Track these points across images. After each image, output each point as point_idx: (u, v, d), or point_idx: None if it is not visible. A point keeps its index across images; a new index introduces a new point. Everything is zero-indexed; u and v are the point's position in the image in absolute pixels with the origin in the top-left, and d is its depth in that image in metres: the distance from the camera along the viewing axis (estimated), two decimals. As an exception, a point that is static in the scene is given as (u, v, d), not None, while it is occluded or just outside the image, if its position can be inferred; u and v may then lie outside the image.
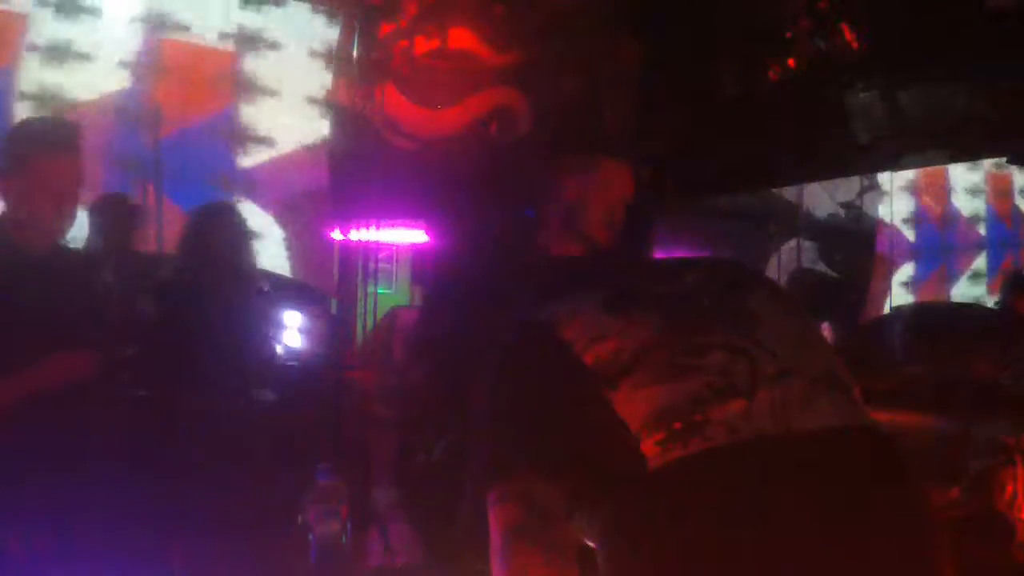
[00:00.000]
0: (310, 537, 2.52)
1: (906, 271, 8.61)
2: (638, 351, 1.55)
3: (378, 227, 5.01)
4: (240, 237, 4.01)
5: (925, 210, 8.71)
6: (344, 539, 2.53)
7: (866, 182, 7.66)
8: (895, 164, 6.34)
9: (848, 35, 4.28)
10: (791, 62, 4.53)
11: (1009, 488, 3.17)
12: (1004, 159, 6.62)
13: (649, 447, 1.47)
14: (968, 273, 8.84)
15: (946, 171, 8.61)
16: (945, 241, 8.80)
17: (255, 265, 4.16)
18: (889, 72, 4.35)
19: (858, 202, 7.74)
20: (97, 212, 4.40)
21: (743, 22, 4.67)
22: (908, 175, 8.27)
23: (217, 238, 3.90)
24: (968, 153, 5.79)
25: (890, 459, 1.58)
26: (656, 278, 1.76)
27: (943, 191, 8.78)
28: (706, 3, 4.93)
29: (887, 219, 8.26)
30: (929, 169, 8.16)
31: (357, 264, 5.42)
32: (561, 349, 1.59)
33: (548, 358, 1.61)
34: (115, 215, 4.45)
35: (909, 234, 8.67)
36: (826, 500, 1.46)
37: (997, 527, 3.13)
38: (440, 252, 4.96)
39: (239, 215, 4.21)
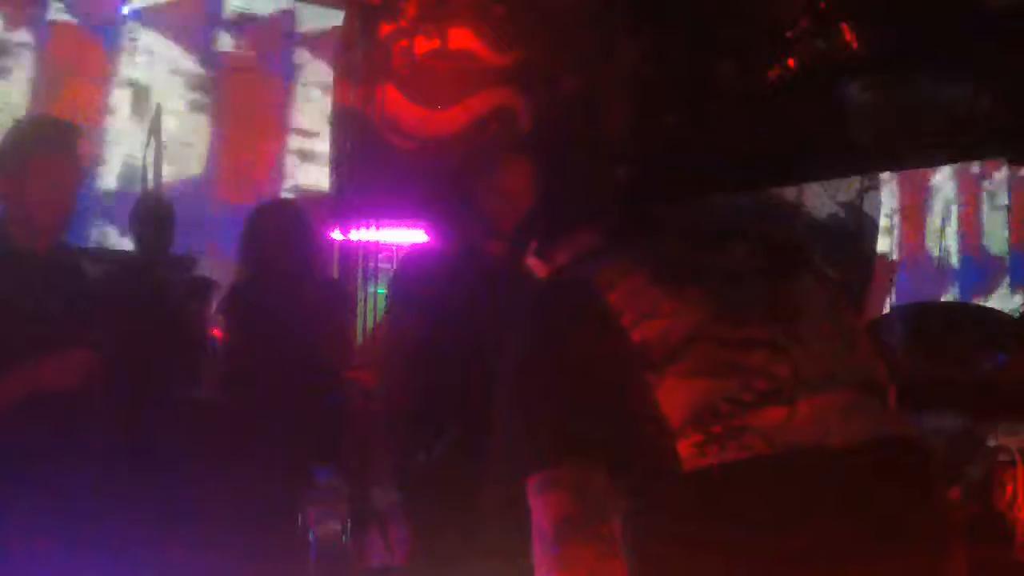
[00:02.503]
0: (310, 537, 2.52)
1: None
2: (685, 338, 1.52)
3: (378, 227, 5.01)
4: (302, 234, 3.91)
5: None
6: (344, 539, 2.53)
7: (866, 182, 7.66)
8: (895, 164, 6.34)
9: (848, 35, 4.28)
10: (791, 62, 4.53)
11: (1009, 488, 3.17)
12: (1004, 159, 6.62)
13: (686, 448, 1.47)
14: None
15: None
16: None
17: (317, 262, 4.07)
18: (889, 72, 4.35)
19: (858, 202, 7.74)
20: (134, 217, 4.41)
21: (743, 22, 4.67)
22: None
23: (277, 237, 3.82)
24: (968, 153, 5.79)
25: (923, 473, 1.59)
26: (703, 245, 1.71)
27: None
28: (706, 3, 4.93)
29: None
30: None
31: (357, 264, 5.43)
32: (609, 320, 1.54)
33: (596, 330, 1.55)
34: (152, 218, 4.45)
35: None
36: (860, 519, 1.47)
37: (997, 527, 3.14)
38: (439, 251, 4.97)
39: (300, 212, 4.15)
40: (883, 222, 8.46)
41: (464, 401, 3.28)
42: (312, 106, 6.38)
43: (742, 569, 1.44)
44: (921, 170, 8.39)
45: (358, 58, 5.36)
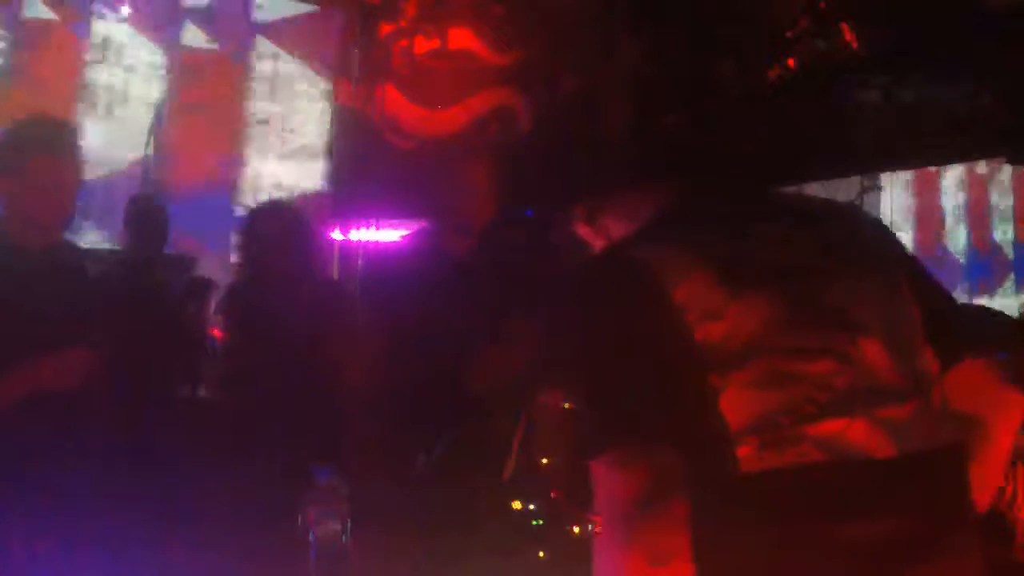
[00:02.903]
0: (310, 537, 2.52)
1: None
2: (747, 345, 1.49)
3: (378, 227, 5.02)
4: (301, 235, 3.90)
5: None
6: (344, 539, 2.53)
7: (866, 182, 7.66)
8: (895, 164, 6.35)
9: (848, 35, 4.28)
10: (791, 62, 4.53)
11: (1009, 488, 3.17)
12: (1004, 159, 6.62)
13: (743, 452, 1.47)
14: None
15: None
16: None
17: (317, 262, 4.05)
18: (889, 72, 4.35)
19: (858, 202, 7.74)
20: (128, 215, 4.41)
21: (743, 22, 4.67)
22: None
23: (277, 237, 3.81)
24: (968, 153, 5.80)
25: (966, 479, 1.62)
26: (768, 241, 1.64)
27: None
28: (706, 3, 4.93)
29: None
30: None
31: (357, 264, 5.42)
32: (673, 312, 1.49)
33: (666, 320, 1.50)
34: (146, 217, 4.45)
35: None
36: (911, 529, 1.50)
37: (997, 527, 3.13)
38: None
39: (297, 213, 4.14)
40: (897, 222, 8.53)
41: (448, 398, 3.30)
42: (271, 94, 6.31)
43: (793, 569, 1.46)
44: (931, 170, 8.41)
45: (358, 58, 5.38)
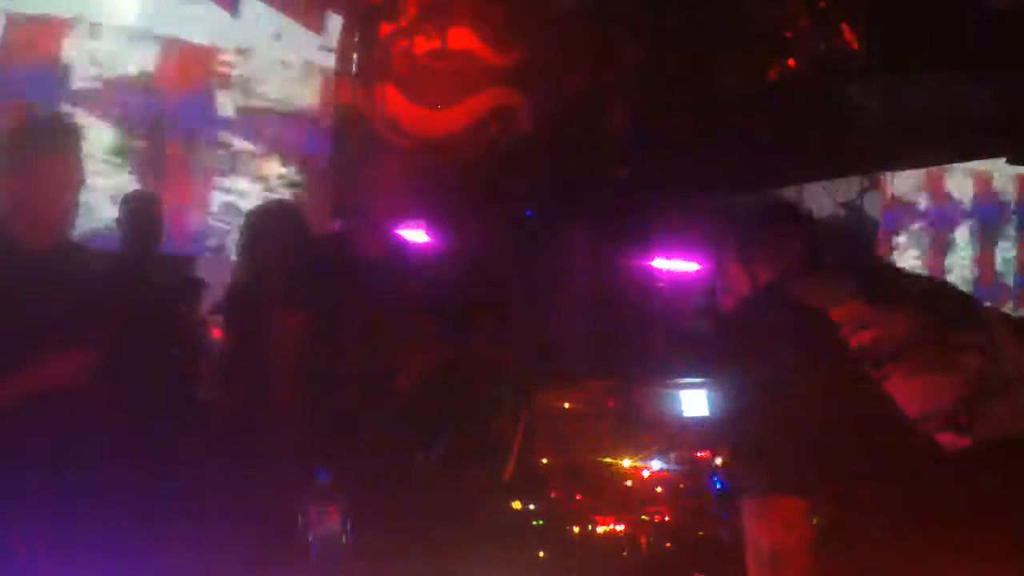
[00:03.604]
0: (310, 537, 2.52)
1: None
2: (901, 342, 1.78)
3: (377, 227, 5.00)
4: (298, 234, 3.90)
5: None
6: (344, 539, 2.53)
7: (866, 182, 7.66)
8: (895, 164, 6.34)
9: (848, 35, 4.28)
10: (791, 62, 4.53)
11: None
12: (1004, 159, 6.62)
13: (939, 430, 1.69)
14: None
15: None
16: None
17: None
18: (889, 72, 4.35)
19: (858, 202, 7.74)
20: (124, 211, 4.39)
21: (743, 22, 4.67)
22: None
23: (276, 236, 3.80)
24: (968, 153, 5.79)
25: None
26: (896, 291, 1.97)
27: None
28: (707, 3, 4.93)
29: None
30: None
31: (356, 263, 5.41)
32: (832, 329, 1.82)
33: (817, 339, 1.83)
34: (143, 213, 4.43)
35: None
36: None
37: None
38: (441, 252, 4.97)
39: (296, 212, 4.13)
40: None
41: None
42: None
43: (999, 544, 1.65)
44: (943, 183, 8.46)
45: (358, 58, 5.37)
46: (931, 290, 2.04)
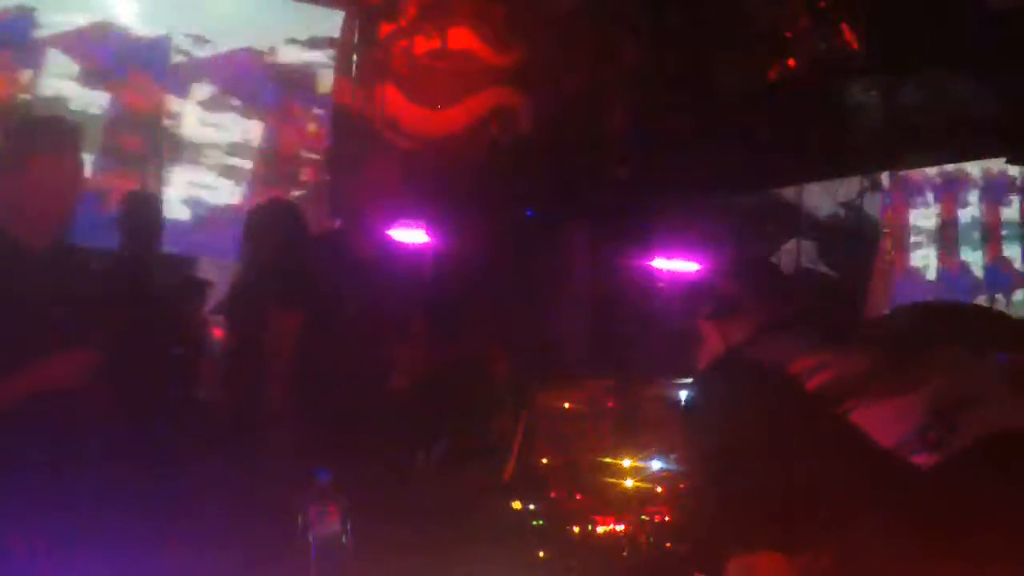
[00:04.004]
0: (310, 537, 2.52)
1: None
2: (861, 375, 1.83)
3: (377, 227, 5.01)
4: (298, 234, 3.88)
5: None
6: (344, 539, 2.53)
7: (866, 182, 7.65)
8: (895, 164, 6.34)
9: (848, 35, 4.28)
10: (791, 62, 4.53)
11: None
12: (1004, 159, 6.62)
13: (913, 452, 1.71)
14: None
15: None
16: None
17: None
18: (889, 72, 4.35)
19: (858, 202, 7.73)
20: (123, 211, 4.37)
21: (743, 22, 4.67)
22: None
23: (276, 237, 3.80)
24: (968, 153, 5.79)
25: None
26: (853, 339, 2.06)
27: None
28: (707, 3, 4.93)
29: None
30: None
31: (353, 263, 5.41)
32: (793, 381, 1.87)
33: (783, 390, 1.88)
34: (141, 213, 4.41)
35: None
36: None
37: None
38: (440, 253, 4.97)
39: (296, 212, 4.12)
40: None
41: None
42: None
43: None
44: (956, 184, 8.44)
45: (358, 58, 5.37)
46: (890, 329, 2.15)
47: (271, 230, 3.87)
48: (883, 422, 1.75)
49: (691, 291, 2.53)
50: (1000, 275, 8.72)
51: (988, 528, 1.66)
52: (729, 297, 2.19)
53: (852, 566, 1.75)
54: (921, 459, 1.69)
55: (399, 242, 3.93)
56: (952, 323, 2.16)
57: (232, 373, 3.84)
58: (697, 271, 3.52)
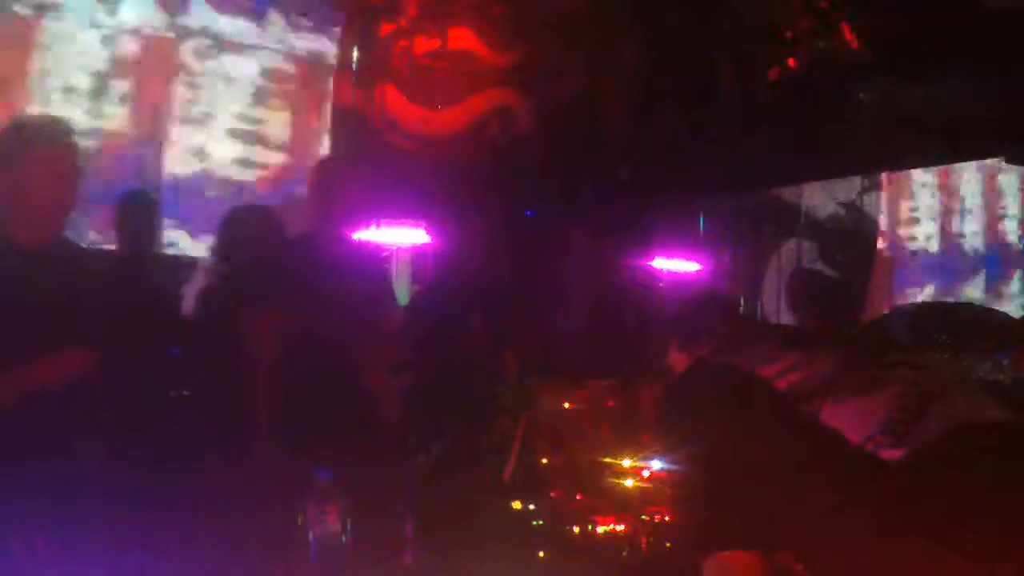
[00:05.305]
0: (310, 537, 2.52)
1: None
2: (829, 375, 1.90)
3: (378, 227, 5.01)
4: (272, 235, 3.89)
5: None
6: (344, 539, 2.53)
7: (866, 182, 7.66)
8: (895, 164, 6.35)
9: (848, 35, 4.29)
10: (791, 62, 4.53)
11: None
12: (1003, 159, 6.63)
13: (879, 447, 1.76)
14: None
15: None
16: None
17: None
18: (889, 72, 4.35)
19: (858, 202, 7.75)
20: (121, 210, 4.36)
21: (743, 22, 4.67)
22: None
23: (251, 237, 3.80)
24: (968, 153, 5.80)
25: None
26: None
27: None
28: (707, 3, 4.93)
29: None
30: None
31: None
32: (765, 385, 1.95)
33: (747, 392, 1.97)
34: (139, 212, 4.40)
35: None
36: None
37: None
38: (439, 252, 4.97)
39: (271, 213, 4.13)
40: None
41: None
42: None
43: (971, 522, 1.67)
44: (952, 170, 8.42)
45: (358, 58, 5.37)
46: (854, 334, 2.31)
47: (246, 231, 3.90)
48: (852, 418, 1.80)
49: (660, 324, 2.75)
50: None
51: (955, 518, 1.68)
52: (692, 328, 2.35)
53: (823, 561, 1.79)
54: (888, 454, 1.74)
55: (376, 244, 3.93)
56: (949, 323, 2.23)
57: (222, 374, 3.85)
58: (670, 300, 3.61)
